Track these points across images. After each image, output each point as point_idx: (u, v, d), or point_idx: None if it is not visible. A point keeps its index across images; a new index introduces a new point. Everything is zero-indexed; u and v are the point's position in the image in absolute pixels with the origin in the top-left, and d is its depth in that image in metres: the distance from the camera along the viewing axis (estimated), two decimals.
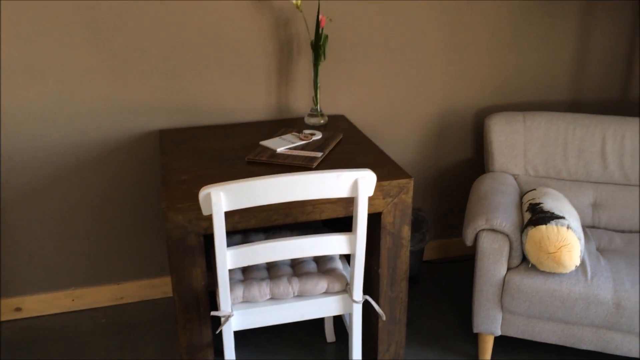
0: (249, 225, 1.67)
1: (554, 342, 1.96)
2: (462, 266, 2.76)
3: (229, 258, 1.51)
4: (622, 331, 1.86)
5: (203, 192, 1.41)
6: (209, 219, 1.61)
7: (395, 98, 2.47)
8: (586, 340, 1.91)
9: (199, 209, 1.59)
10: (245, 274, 1.78)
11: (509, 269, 1.94)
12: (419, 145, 2.58)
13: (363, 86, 2.41)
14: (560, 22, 2.51)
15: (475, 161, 2.68)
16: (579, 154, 2.26)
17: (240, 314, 1.65)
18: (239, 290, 1.67)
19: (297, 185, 1.46)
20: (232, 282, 1.71)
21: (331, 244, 1.58)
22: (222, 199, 1.42)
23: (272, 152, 1.93)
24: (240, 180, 1.42)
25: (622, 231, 2.21)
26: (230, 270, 1.78)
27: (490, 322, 2.00)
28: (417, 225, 2.58)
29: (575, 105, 2.68)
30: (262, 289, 1.68)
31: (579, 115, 2.30)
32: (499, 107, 2.61)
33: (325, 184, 1.49)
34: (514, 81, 2.57)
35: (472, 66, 2.50)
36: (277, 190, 1.45)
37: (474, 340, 2.25)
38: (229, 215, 1.63)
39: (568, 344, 1.95)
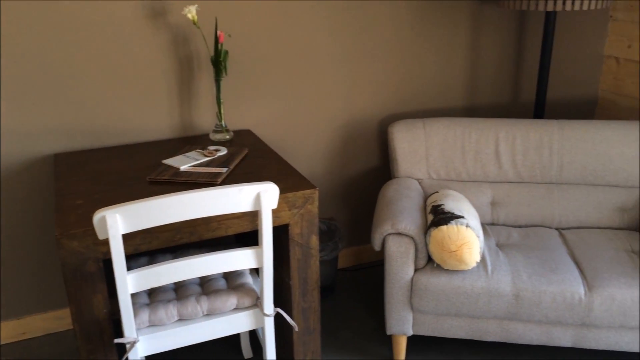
0: (152, 247, 1.62)
1: (462, 337, 2.04)
2: (376, 271, 2.82)
3: (130, 282, 1.46)
4: (522, 321, 1.96)
5: (97, 216, 1.36)
6: (108, 243, 1.55)
7: (299, 110, 2.50)
8: (491, 332, 2.01)
9: (95, 233, 1.53)
10: (152, 297, 1.73)
11: (416, 270, 2.01)
12: (326, 156, 2.62)
13: (267, 100, 2.42)
14: (453, 31, 2.64)
15: (382, 168, 2.76)
16: (476, 156, 2.38)
17: (146, 338, 1.59)
18: (145, 314, 1.61)
19: (198, 202, 1.44)
20: (137, 306, 1.65)
21: (238, 259, 1.57)
22: (118, 222, 1.37)
23: (175, 171, 1.89)
24: (138, 200, 1.38)
25: (519, 226, 2.34)
26: (134, 294, 1.72)
27: (402, 323, 2.05)
28: (329, 234, 2.61)
29: (471, 110, 2.83)
30: (169, 310, 1.63)
31: (474, 119, 2.43)
32: (401, 114, 2.70)
33: (228, 199, 1.48)
34: (414, 89, 2.68)
35: (372, 76, 2.58)
36: (177, 208, 1.42)
37: (390, 342, 2.30)
38: (129, 237, 1.58)
39: (475, 338, 2.03)
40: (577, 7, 2.17)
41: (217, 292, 1.72)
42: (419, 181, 2.41)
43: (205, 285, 1.80)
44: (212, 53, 2.24)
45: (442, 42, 2.64)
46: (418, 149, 2.40)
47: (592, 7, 2.18)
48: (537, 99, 2.56)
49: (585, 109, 3.05)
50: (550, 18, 2.41)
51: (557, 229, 2.31)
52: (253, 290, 1.73)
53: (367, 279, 2.75)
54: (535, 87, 2.89)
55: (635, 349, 1.94)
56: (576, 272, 1.95)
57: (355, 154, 2.68)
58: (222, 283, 1.79)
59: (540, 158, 2.33)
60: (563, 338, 1.96)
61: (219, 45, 2.11)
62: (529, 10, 2.54)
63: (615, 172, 2.28)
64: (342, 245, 2.54)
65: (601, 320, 1.88)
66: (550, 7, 2.19)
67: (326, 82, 2.50)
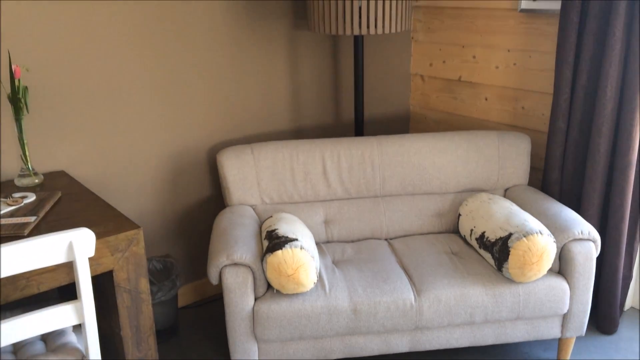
0: None
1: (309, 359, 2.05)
2: (219, 304, 2.73)
3: None
4: (362, 333, 2.02)
5: None
6: None
7: (118, 145, 2.35)
8: (336, 350, 2.04)
9: None
10: None
11: (256, 299, 1.97)
12: (155, 191, 2.49)
13: (80, 136, 2.24)
14: (273, 57, 2.69)
15: (216, 197, 2.70)
16: (305, 177, 2.43)
17: None
18: None
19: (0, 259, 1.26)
20: None
21: (55, 318, 1.40)
22: None
23: None
24: None
25: (352, 241, 2.43)
26: None
27: (247, 354, 2.00)
28: (166, 272, 2.48)
29: (298, 132, 2.90)
30: None
31: (301, 141, 2.48)
32: (230, 141, 2.67)
33: (35, 253, 1.32)
34: (240, 115, 2.66)
35: (197, 104, 2.51)
36: None
37: None
38: None
39: (322, 357, 2.05)
40: (379, 31, 2.33)
41: (34, 357, 1.52)
42: (253, 207, 2.39)
43: (19, 351, 1.58)
44: (8, 90, 2.01)
45: (264, 68, 2.67)
46: (248, 175, 2.38)
47: (393, 30, 2.36)
48: (356, 117, 2.70)
49: (400, 123, 3.29)
50: (358, 42, 2.56)
51: (386, 239, 2.44)
52: (77, 350, 1.56)
53: (211, 313, 2.66)
54: (353, 107, 3.05)
55: (465, 344, 2.09)
56: (405, 279, 2.06)
57: (187, 185, 2.58)
58: (39, 347, 1.59)
59: (364, 174, 2.45)
60: (400, 344, 2.06)
61: (16, 81, 1.90)
62: (339, 34, 2.67)
63: (429, 181, 2.47)
64: (181, 283, 2.42)
65: (432, 321, 2.01)
66: (356, 32, 2.33)
67: (145, 113, 2.38)
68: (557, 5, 2.42)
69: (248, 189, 2.38)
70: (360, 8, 2.28)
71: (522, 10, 2.56)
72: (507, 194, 2.50)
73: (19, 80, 1.91)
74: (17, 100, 1.91)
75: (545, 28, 2.54)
